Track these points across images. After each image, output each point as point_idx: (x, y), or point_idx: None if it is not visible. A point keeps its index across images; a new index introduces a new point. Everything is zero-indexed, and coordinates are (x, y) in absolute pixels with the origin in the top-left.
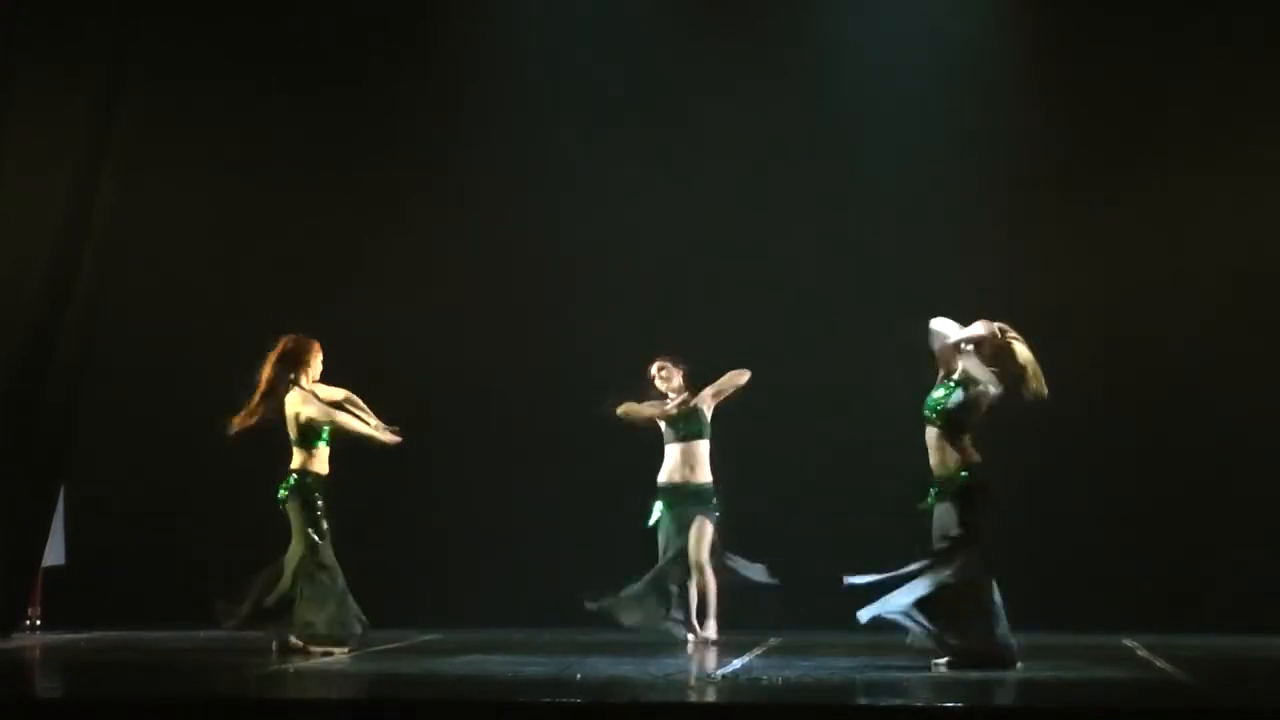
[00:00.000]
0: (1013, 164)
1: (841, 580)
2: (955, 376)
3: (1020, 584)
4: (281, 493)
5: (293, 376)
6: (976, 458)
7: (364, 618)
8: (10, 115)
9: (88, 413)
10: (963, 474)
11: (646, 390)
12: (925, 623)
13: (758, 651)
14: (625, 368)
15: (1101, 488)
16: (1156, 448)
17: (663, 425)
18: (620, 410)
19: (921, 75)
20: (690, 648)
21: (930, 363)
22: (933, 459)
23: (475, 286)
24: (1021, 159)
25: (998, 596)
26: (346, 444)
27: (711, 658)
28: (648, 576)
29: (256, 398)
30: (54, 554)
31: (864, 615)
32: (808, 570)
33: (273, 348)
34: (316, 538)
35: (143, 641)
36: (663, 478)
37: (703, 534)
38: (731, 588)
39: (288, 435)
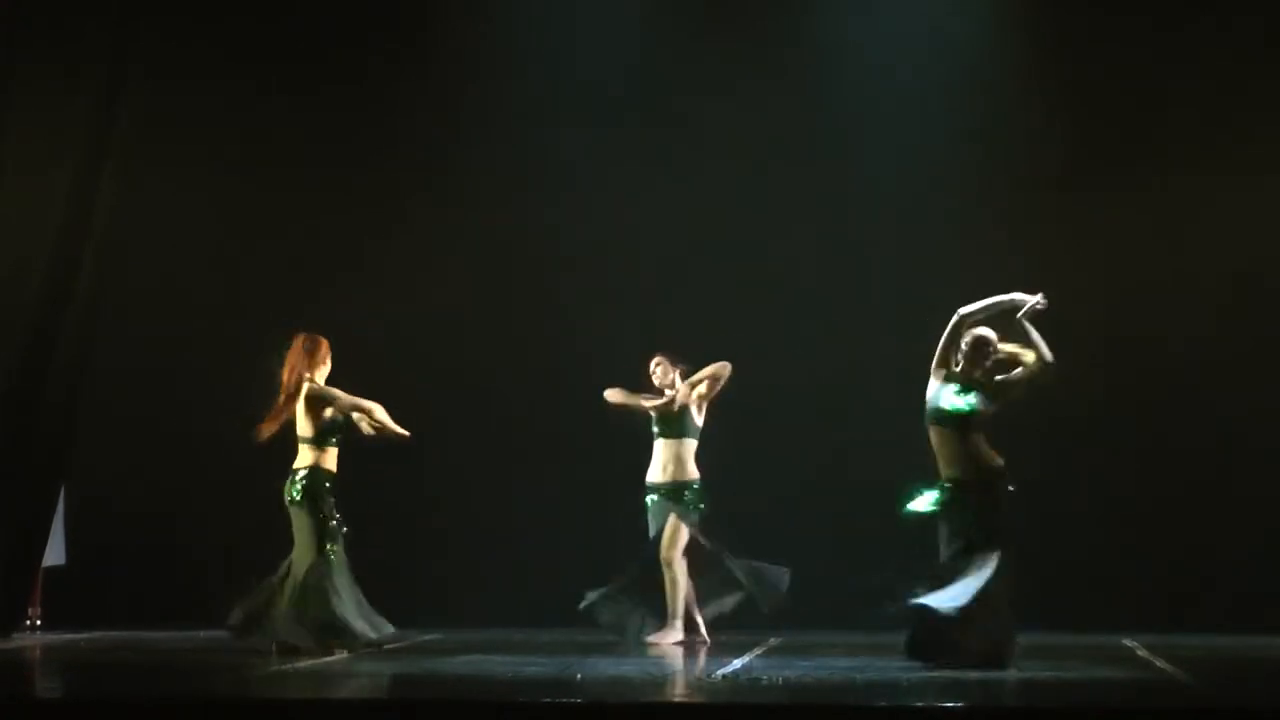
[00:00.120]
0: (1013, 164)
1: (848, 581)
2: (976, 378)
3: (1020, 584)
4: (295, 492)
5: (308, 375)
6: (1000, 460)
7: (377, 620)
8: (10, 115)
9: (88, 413)
10: (991, 476)
11: (646, 388)
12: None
13: (758, 651)
14: (625, 367)
15: (1101, 488)
16: (1156, 448)
17: (653, 422)
18: (609, 393)
19: (921, 75)
20: (667, 648)
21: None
22: (960, 463)
23: (475, 286)
24: (1021, 159)
25: None
26: (347, 444)
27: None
28: (625, 577)
29: (282, 400)
30: (54, 554)
31: (916, 603)
32: (808, 570)
33: (286, 347)
34: (328, 540)
35: (143, 641)
36: (648, 476)
37: (675, 533)
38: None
39: (294, 434)
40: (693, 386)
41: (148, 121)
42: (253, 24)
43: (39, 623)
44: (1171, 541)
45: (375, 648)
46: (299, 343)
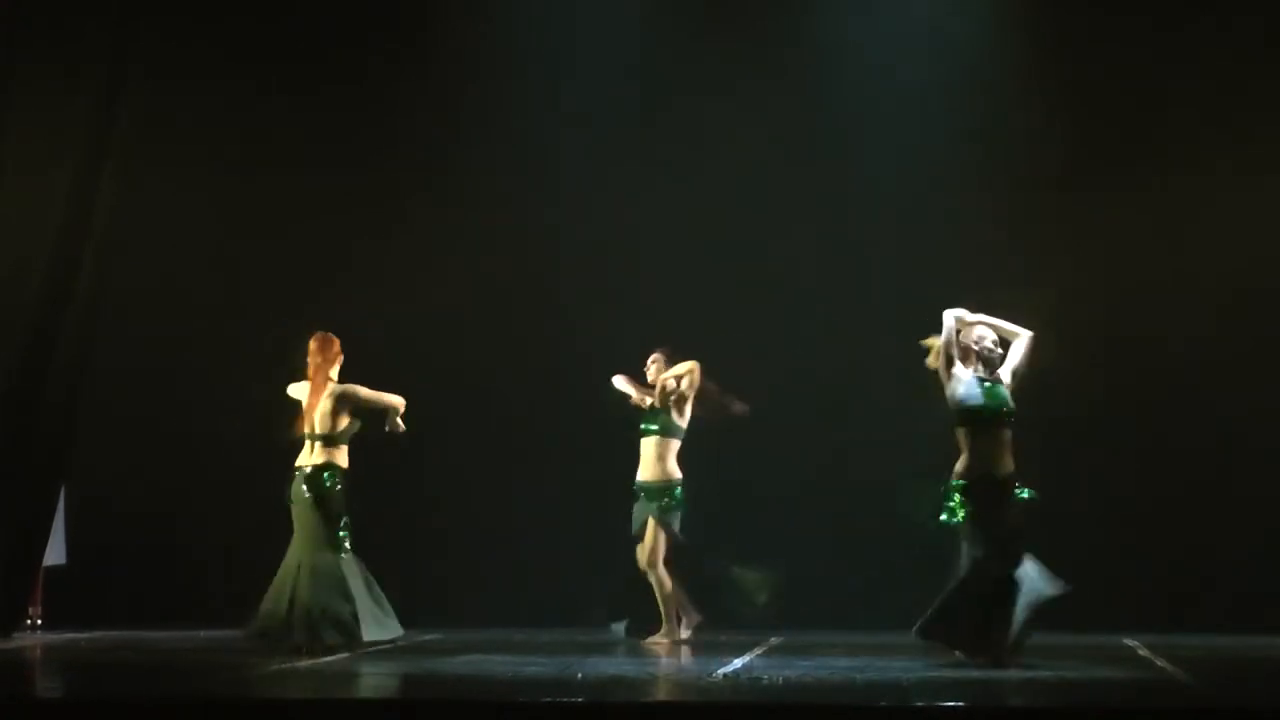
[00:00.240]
0: (1013, 164)
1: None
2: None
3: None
4: (317, 490)
5: (330, 373)
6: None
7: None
8: (10, 115)
9: (88, 413)
10: (995, 474)
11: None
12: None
13: (758, 651)
14: (625, 368)
15: (1101, 488)
16: (1156, 448)
17: (640, 420)
18: (616, 379)
19: (921, 75)
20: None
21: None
22: (1000, 459)
23: (475, 286)
24: (1021, 159)
25: None
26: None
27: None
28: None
29: (314, 399)
30: (55, 553)
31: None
32: (808, 570)
33: (303, 345)
34: (344, 537)
35: (143, 641)
36: (637, 474)
37: (654, 538)
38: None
39: (300, 431)
40: (662, 386)
41: (148, 121)
42: (253, 24)
43: (39, 622)
44: (1171, 541)
45: (388, 644)
46: (319, 341)
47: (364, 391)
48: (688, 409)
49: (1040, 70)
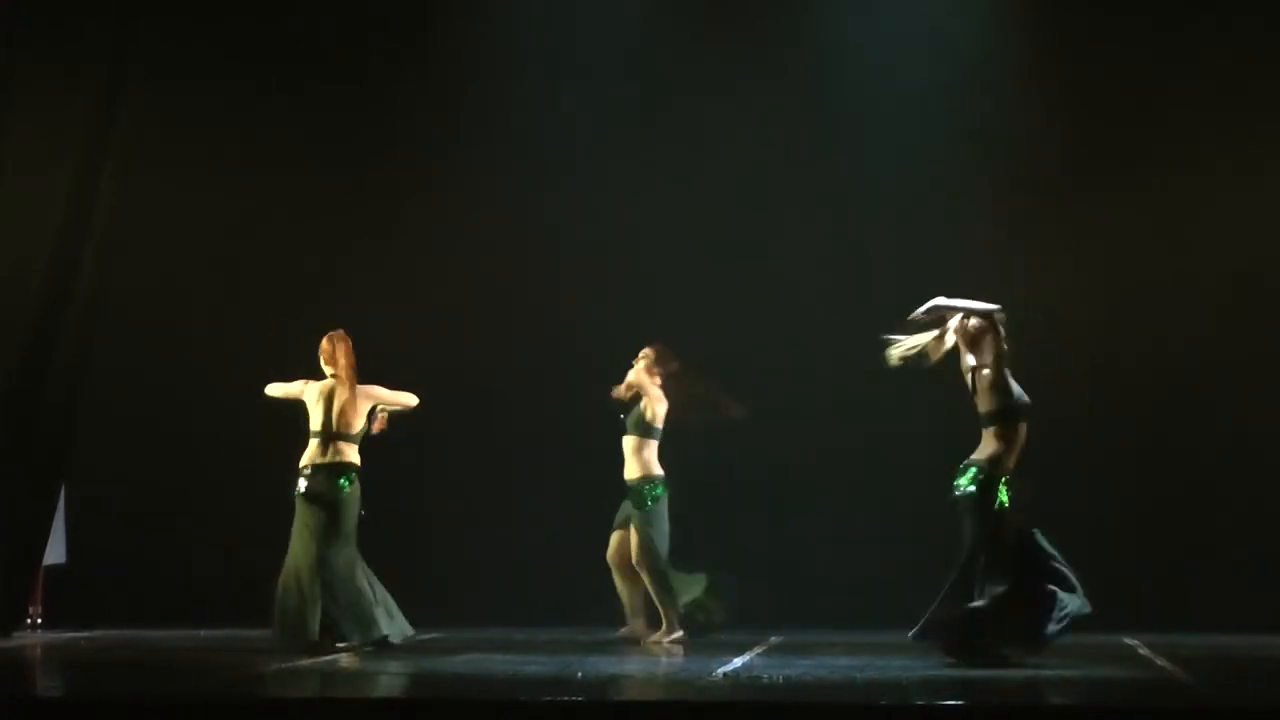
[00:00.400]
0: (1013, 164)
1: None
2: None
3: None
4: (342, 488)
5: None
6: None
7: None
8: (10, 115)
9: (88, 413)
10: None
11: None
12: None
13: (758, 650)
14: (625, 367)
15: (1101, 488)
16: (1156, 448)
17: None
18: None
19: (921, 75)
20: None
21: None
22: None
23: (475, 286)
24: (1021, 159)
25: None
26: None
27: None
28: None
29: (350, 396)
30: (55, 552)
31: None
32: (808, 570)
33: (324, 344)
34: (356, 535)
35: (143, 640)
36: None
37: (630, 537)
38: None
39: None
40: (654, 398)
41: (148, 121)
42: (253, 24)
43: (39, 621)
44: (1171, 541)
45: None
46: (342, 340)
47: (384, 391)
48: (659, 408)
49: (1040, 70)
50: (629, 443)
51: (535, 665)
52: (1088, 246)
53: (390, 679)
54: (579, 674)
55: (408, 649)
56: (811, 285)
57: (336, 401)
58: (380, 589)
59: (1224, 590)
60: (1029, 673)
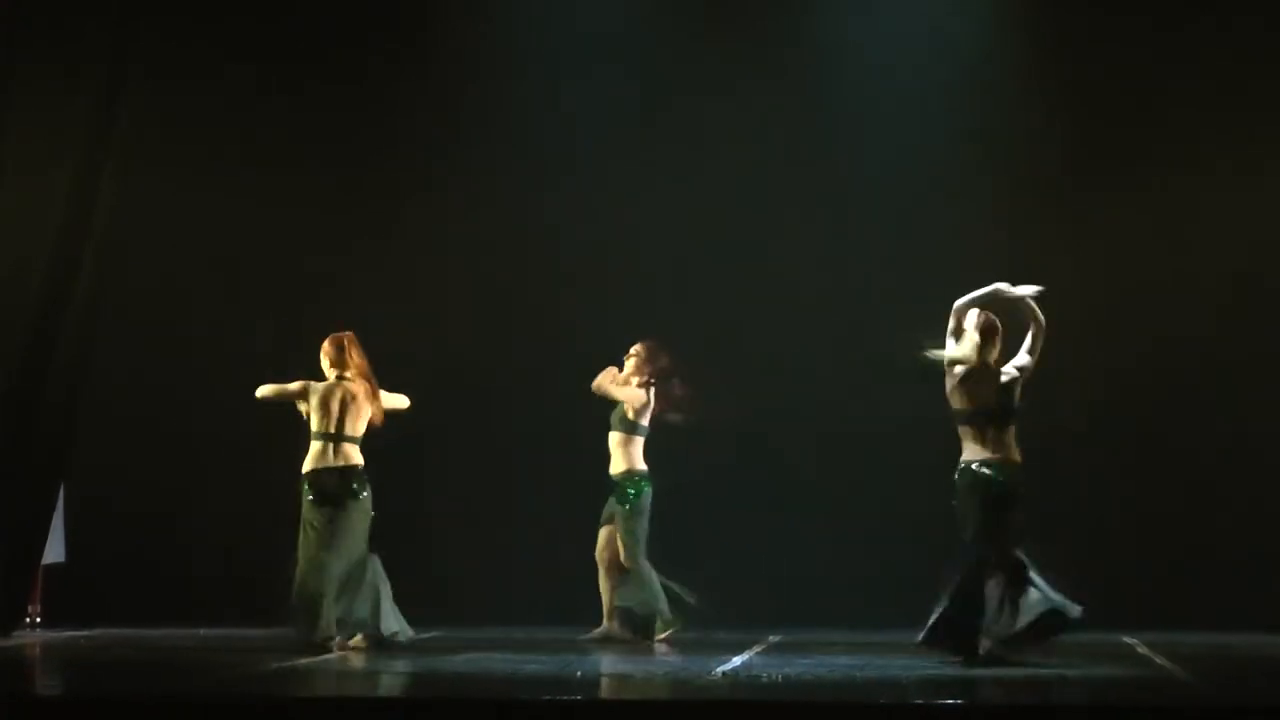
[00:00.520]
0: (1013, 164)
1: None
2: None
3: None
4: (361, 490)
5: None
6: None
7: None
8: (10, 115)
9: (88, 413)
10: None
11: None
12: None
13: (757, 649)
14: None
15: (1101, 488)
16: (1156, 448)
17: None
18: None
19: (921, 75)
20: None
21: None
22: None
23: (475, 286)
24: (1021, 159)
25: None
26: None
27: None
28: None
29: (372, 392)
30: (54, 551)
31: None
32: (807, 569)
33: (339, 346)
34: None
35: (143, 640)
36: None
37: (610, 535)
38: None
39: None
40: (632, 398)
41: (148, 121)
42: (253, 24)
43: (39, 620)
44: (1171, 541)
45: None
46: (353, 342)
47: (385, 394)
48: (638, 406)
49: (1040, 70)
50: (613, 438)
51: (535, 664)
52: (1088, 246)
53: (390, 678)
54: (578, 673)
55: (408, 648)
56: (811, 285)
57: (347, 403)
58: (389, 588)
59: (1224, 590)
60: (1029, 672)
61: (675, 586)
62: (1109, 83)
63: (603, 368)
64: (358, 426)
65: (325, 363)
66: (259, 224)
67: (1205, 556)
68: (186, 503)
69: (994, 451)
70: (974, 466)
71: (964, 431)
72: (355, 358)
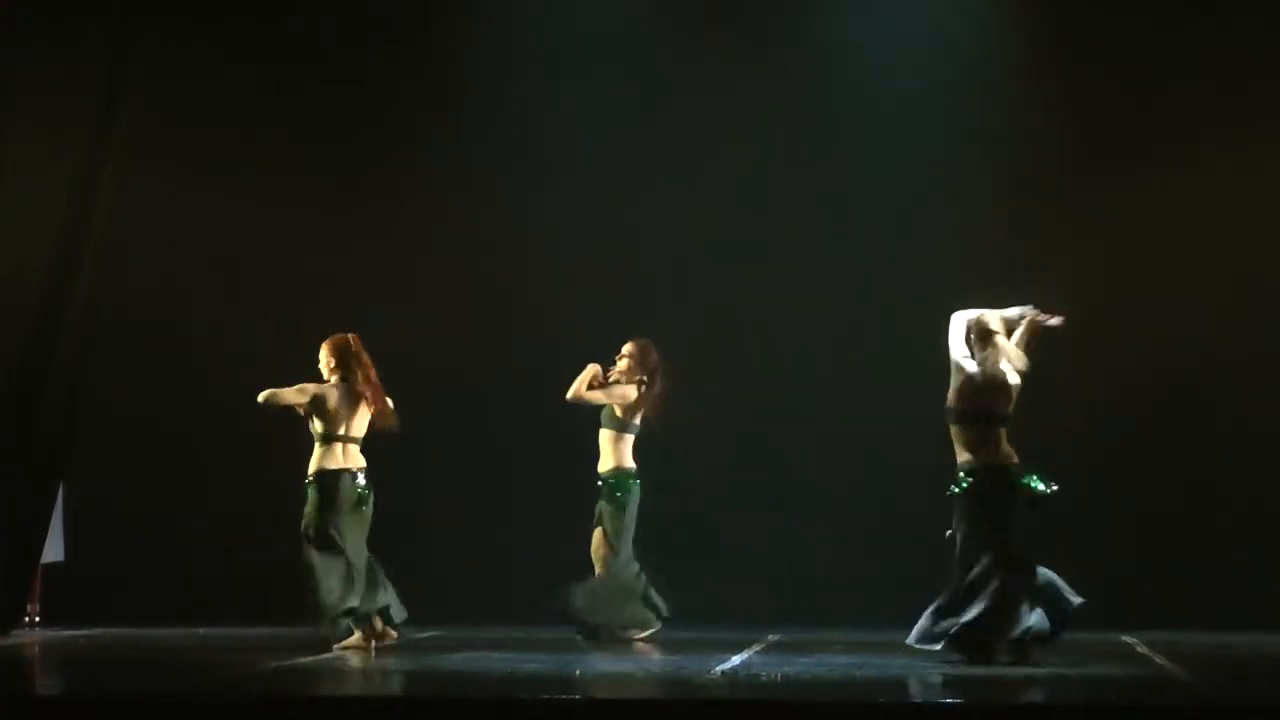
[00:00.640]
0: (1013, 164)
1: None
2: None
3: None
4: (368, 489)
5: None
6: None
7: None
8: (10, 115)
9: (88, 413)
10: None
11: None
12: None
13: (757, 648)
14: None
15: (1101, 488)
16: (1156, 448)
17: None
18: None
19: (921, 75)
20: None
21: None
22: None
23: (475, 286)
24: (1021, 159)
25: None
26: None
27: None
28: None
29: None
30: (54, 551)
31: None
32: (807, 569)
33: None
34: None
35: (142, 639)
36: None
37: (601, 530)
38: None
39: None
40: (615, 395)
41: (148, 121)
42: (253, 24)
43: (38, 619)
44: (1171, 541)
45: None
46: (358, 343)
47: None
48: (624, 405)
49: (1040, 70)
50: (604, 435)
51: (534, 664)
52: (1088, 246)
53: (390, 677)
54: (577, 672)
55: (407, 647)
56: (811, 285)
57: (349, 405)
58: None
59: (1224, 590)
60: (1028, 671)
61: (655, 597)
62: (1109, 83)
63: (602, 367)
64: (362, 428)
65: (329, 364)
66: (259, 224)
67: (1205, 556)
68: (186, 503)
69: (994, 453)
70: (974, 468)
71: (960, 433)
72: (363, 360)
